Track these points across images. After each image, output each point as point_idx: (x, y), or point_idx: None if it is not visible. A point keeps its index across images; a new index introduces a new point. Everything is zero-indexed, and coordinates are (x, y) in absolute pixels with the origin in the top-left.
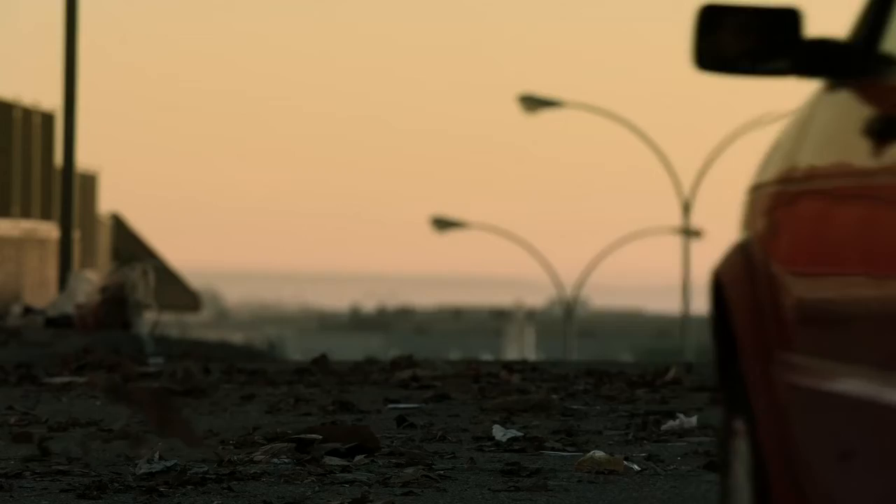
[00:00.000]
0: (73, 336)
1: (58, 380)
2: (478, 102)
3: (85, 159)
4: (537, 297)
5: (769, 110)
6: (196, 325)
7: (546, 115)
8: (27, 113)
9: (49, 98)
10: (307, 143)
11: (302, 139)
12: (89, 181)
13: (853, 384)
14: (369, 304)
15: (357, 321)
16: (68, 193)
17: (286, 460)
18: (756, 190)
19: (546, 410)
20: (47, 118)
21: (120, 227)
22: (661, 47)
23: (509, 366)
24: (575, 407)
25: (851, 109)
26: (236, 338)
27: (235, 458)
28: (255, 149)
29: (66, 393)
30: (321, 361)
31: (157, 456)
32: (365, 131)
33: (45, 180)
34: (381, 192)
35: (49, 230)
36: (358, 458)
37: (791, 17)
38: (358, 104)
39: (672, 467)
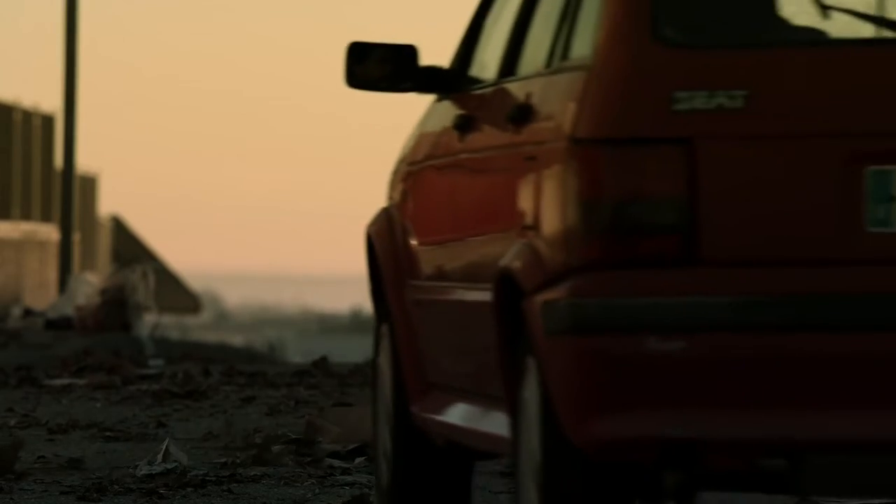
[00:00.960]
0: (73, 338)
1: (58, 382)
2: None
3: (85, 161)
4: None
5: None
6: (196, 327)
7: None
8: (27, 115)
9: (49, 100)
10: (307, 143)
11: (302, 139)
12: (89, 183)
13: (451, 294)
14: (370, 307)
15: (357, 323)
16: (68, 195)
17: (286, 462)
18: (395, 170)
19: None
20: (47, 120)
21: (120, 229)
22: None
23: None
24: None
25: (448, 113)
26: (236, 340)
27: (237, 460)
28: (255, 149)
29: (66, 395)
30: (321, 363)
31: (158, 458)
32: (366, 132)
33: (45, 182)
34: (381, 193)
35: (49, 232)
36: (358, 460)
37: (411, 52)
38: (359, 104)
39: None
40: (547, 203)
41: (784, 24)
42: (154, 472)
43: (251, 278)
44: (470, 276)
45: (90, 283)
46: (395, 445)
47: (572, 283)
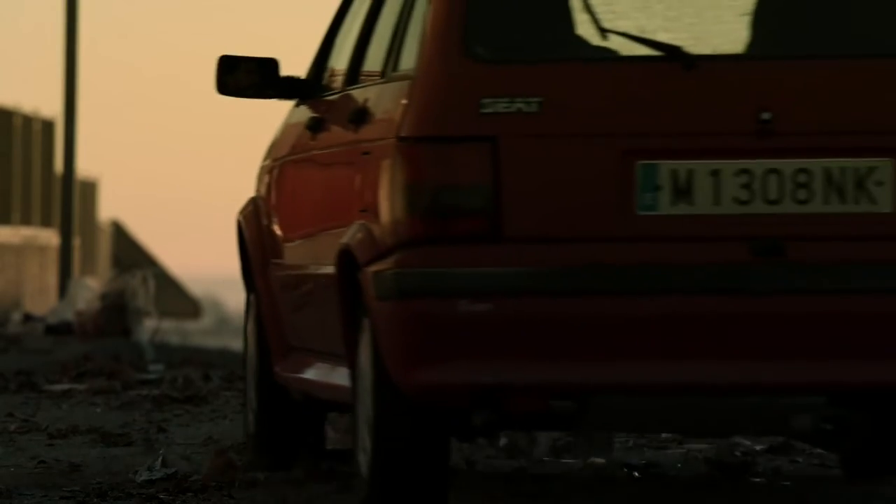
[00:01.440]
0: (73, 343)
1: (58, 387)
2: None
3: (85, 166)
4: None
5: None
6: (196, 332)
7: None
8: (27, 120)
9: (49, 105)
10: None
11: None
12: (89, 188)
13: (305, 269)
14: None
15: None
16: (68, 200)
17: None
18: (262, 165)
19: None
20: (47, 125)
21: (120, 234)
22: None
23: None
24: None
25: (303, 116)
26: (237, 344)
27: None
28: (256, 152)
29: (66, 400)
30: None
31: (157, 463)
32: None
33: (45, 187)
34: None
35: (49, 237)
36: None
37: (274, 64)
38: None
39: (671, 474)
40: (378, 191)
41: (577, 43)
42: (154, 477)
43: None
44: (319, 253)
45: (90, 288)
46: (259, 399)
47: (398, 256)
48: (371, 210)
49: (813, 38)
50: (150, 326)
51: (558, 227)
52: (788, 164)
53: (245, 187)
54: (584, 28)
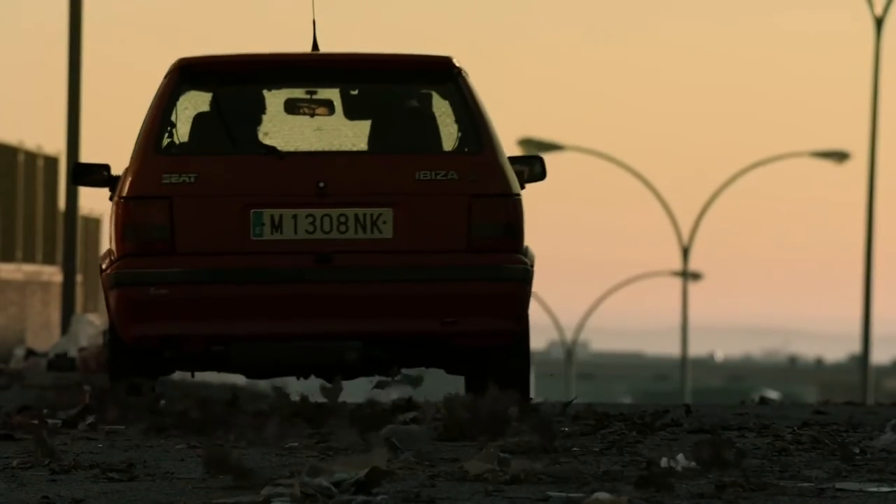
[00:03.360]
0: (76, 379)
1: (60, 422)
2: None
3: (88, 203)
4: (537, 340)
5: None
6: None
7: (546, 159)
8: (30, 157)
9: (52, 142)
10: None
11: None
12: (92, 224)
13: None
14: None
15: None
16: (71, 237)
17: (286, 500)
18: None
19: (547, 452)
20: (50, 162)
21: None
22: (660, 94)
23: None
24: (576, 448)
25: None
26: (240, 379)
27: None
28: None
29: (67, 435)
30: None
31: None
32: None
33: (48, 224)
34: None
35: (52, 273)
36: (360, 497)
37: (108, 168)
38: None
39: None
40: (114, 228)
41: (220, 143)
42: None
43: None
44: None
45: (93, 325)
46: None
47: (118, 264)
48: (113, 239)
49: (350, 140)
50: None
51: (207, 246)
52: (335, 211)
53: None
54: (225, 135)
